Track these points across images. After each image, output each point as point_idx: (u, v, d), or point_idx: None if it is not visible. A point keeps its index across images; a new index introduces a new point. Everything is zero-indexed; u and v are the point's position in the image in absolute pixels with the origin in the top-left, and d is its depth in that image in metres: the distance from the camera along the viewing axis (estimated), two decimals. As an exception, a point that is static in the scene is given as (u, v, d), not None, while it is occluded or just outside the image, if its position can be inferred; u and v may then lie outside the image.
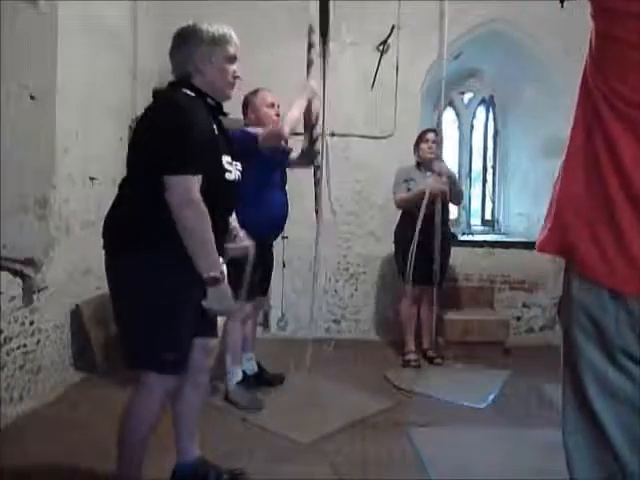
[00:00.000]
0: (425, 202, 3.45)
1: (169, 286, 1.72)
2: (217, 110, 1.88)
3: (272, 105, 2.98)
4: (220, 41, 1.81)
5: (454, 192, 3.77)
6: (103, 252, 1.82)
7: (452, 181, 3.75)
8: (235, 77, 1.87)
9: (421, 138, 3.80)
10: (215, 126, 1.82)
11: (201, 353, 1.95)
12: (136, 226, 1.74)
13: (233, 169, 1.87)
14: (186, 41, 1.81)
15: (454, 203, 3.99)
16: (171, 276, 1.72)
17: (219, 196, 1.79)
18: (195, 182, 1.67)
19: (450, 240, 3.94)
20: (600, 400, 0.95)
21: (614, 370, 0.95)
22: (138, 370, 1.78)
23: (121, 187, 1.85)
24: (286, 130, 2.67)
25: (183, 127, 1.68)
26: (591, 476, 0.98)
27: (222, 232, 1.87)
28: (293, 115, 2.69)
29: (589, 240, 0.97)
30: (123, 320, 1.82)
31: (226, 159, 1.84)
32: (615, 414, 0.94)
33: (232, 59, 1.85)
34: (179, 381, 1.83)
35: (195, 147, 1.69)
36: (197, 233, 1.68)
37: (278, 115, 2.95)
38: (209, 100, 1.83)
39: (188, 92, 1.79)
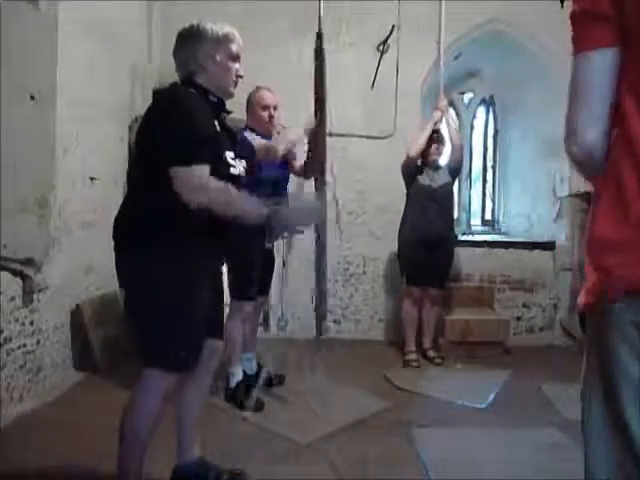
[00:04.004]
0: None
1: (179, 281, 1.73)
2: (219, 107, 1.88)
3: (266, 107, 2.98)
4: (224, 40, 1.83)
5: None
6: (114, 251, 1.82)
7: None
8: (238, 76, 1.89)
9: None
10: (217, 123, 1.83)
11: (207, 354, 1.95)
12: (143, 222, 1.74)
13: (237, 164, 1.88)
14: (190, 40, 1.83)
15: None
16: (180, 271, 1.73)
17: None
18: (201, 170, 1.67)
19: (453, 241, 3.94)
20: (632, 408, 0.93)
21: None
22: (147, 367, 1.76)
23: (128, 186, 1.86)
24: (280, 149, 2.70)
25: (185, 120, 1.69)
26: (610, 476, 0.97)
27: (225, 227, 1.85)
28: (290, 138, 2.77)
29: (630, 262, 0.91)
30: (134, 317, 1.83)
31: (230, 155, 1.85)
32: None
33: (236, 57, 1.87)
34: (180, 380, 1.83)
35: (199, 137, 1.69)
36: (227, 206, 1.72)
37: (272, 117, 2.97)
38: (211, 97, 1.84)
39: (190, 89, 1.81)
